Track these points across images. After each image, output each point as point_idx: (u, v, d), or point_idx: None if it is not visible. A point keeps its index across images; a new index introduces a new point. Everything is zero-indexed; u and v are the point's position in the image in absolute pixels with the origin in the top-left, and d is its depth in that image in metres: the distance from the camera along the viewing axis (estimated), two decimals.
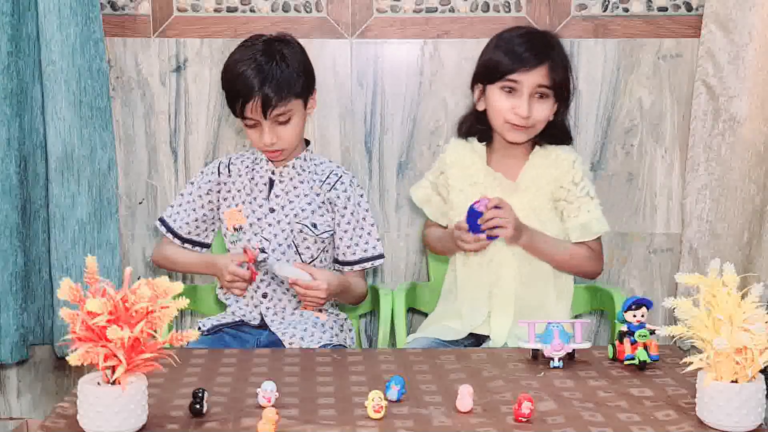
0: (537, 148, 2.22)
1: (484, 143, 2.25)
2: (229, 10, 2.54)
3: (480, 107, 2.22)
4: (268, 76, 2.09)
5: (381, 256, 2.27)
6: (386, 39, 2.56)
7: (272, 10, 2.54)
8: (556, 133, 2.22)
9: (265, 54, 2.12)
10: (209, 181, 2.29)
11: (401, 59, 2.57)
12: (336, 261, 2.28)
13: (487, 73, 2.18)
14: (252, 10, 2.54)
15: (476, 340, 2.20)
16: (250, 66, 2.11)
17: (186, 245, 2.30)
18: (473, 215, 2.06)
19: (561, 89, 2.17)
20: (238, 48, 2.19)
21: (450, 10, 2.54)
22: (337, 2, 2.53)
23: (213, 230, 2.33)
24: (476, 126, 2.25)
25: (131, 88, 2.57)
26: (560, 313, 2.20)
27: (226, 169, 2.29)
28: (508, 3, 2.54)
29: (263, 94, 2.09)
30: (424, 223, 2.42)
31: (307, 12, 2.54)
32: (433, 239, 2.34)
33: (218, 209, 2.29)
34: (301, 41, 2.41)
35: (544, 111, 2.16)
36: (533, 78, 2.12)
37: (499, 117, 2.17)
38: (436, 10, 2.54)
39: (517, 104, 2.13)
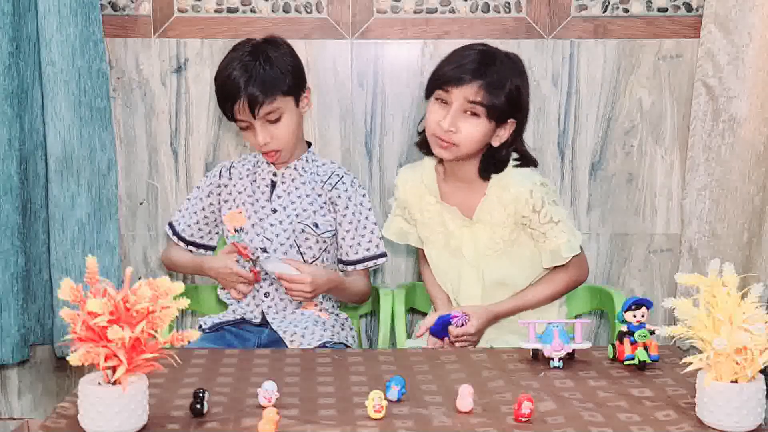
0: (493, 179, 2.14)
1: (435, 168, 2.21)
2: (230, 10, 2.54)
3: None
4: (252, 76, 2.13)
5: (383, 255, 2.30)
6: (386, 39, 2.56)
7: (273, 11, 2.54)
8: (500, 163, 2.13)
9: (250, 55, 2.16)
10: (210, 184, 2.34)
11: (401, 60, 2.57)
12: (340, 261, 2.30)
13: (428, 84, 2.15)
14: (252, 11, 2.53)
15: None
16: (237, 68, 2.14)
17: (190, 248, 2.34)
18: (443, 322, 2.10)
19: (494, 110, 2.06)
20: (228, 53, 2.23)
21: (450, 11, 2.54)
22: (338, 3, 2.53)
23: (216, 233, 2.36)
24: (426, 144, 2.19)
25: (132, 88, 2.57)
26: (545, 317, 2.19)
27: (227, 172, 2.32)
28: (509, 4, 2.54)
29: (249, 93, 2.12)
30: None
31: (307, 13, 2.54)
32: (428, 282, 2.33)
33: (219, 212, 2.32)
34: (302, 42, 2.40)
35: (472, 129, 2.06)
36: (464, 92, 2.06)
37: (429, 129, 2.12)
38: (436, 11, 2.54)
39: (444, 116, 2.07)
